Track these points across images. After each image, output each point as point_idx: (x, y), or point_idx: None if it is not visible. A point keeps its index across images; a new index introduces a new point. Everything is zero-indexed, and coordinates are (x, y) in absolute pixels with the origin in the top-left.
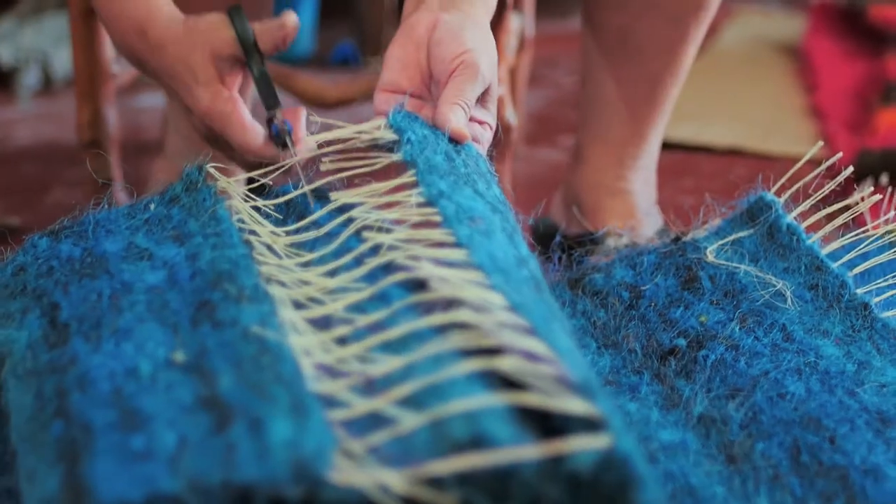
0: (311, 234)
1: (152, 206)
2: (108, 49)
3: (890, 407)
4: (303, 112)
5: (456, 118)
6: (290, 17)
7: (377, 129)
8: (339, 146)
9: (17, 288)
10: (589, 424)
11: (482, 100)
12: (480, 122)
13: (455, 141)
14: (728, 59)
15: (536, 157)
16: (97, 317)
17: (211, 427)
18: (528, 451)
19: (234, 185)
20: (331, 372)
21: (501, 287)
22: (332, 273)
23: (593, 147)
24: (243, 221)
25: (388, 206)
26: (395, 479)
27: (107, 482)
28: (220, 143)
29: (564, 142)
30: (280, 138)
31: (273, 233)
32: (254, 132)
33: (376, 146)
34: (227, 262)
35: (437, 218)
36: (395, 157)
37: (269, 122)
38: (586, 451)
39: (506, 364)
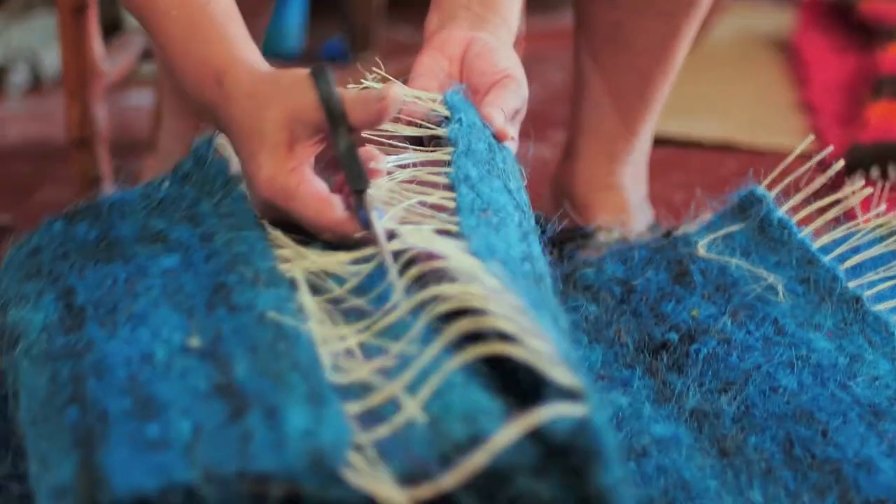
0: None
1: (166, 185)
2: (97, 47)
3: (882, 400)
4: (383, 161)
5: (499, 118)
6: (393, 90)
7: (433, 101)
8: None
9: (33, 269)
10: (568, 397)
11: (512, 117)
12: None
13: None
14: (718, 53)
15: (526, 153)
16: (113, 302)
17: (226, 415)
18: (512, 428)
19: None
20: (346, 362)
21: (495, 273)
22: (349, 259)
23: (584, 142)
24: None
25: (416, 181)
26: (401, 496)
27: (122, 472)
28: (285, 222)
29: (555, 137)
30: (368, 226)
31: None
32: (330, 205)
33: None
34: (243, 244)
35: (452, 204)
36: (441, 131)
37: (354, 203)
38: (563, 417)
39: (498, 323)
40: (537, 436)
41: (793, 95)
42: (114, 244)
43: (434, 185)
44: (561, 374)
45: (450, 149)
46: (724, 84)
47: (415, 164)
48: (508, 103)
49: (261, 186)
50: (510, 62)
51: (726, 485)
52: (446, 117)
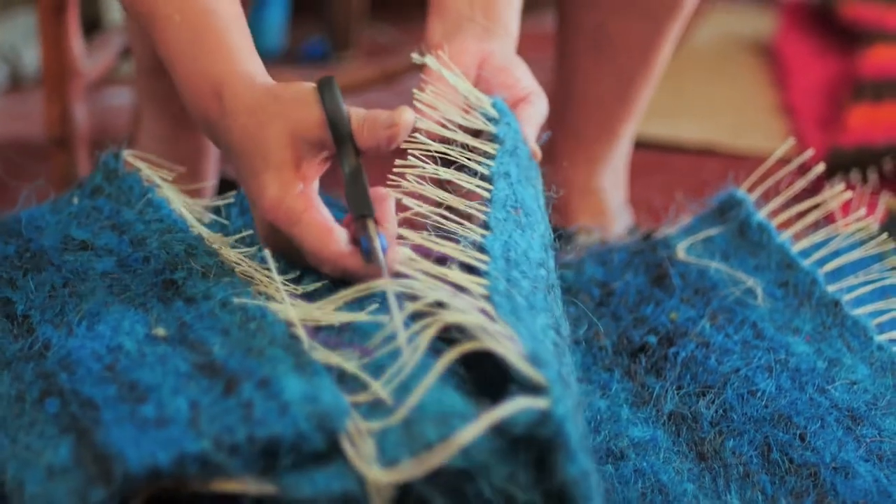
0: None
1: (76, 200)
2: (77, 45)
3: (860, 404)
4: (391, 200)
5: (533, 137)
6: (405, 115)
7: (483, 101)
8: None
9: None
10: (533, 392)
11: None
12: None
13: None
14: (700, 56)
15: None
16: (59, 305)
17: (219, 391)
18: (477, 424)
19: (156, 173)
20: (320, 337)
21: (494, 273)
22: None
23: (565, 145)
24: (182, 215)
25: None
26: (382, 475)
27: (133, 449)
28: (288, 249)
29: None
30: (370, 255)
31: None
32: (333, 236)
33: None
34: (181, 244)
35: (487, 195)
36: (490, 127)
37: (355, 230)
38: (525, 410)
39: (464, 319)
40: (501, 430)
41: (773, 99)
42: (38, 255)
43: (473, 174)
44: (525, 368)
45: (496, 145)
46: (705, 87)
47: (464, 145)
48: (534, 121)
49: (265, 208)
50: (530, 78)
51: (703, 488)
52: (493, 119)
